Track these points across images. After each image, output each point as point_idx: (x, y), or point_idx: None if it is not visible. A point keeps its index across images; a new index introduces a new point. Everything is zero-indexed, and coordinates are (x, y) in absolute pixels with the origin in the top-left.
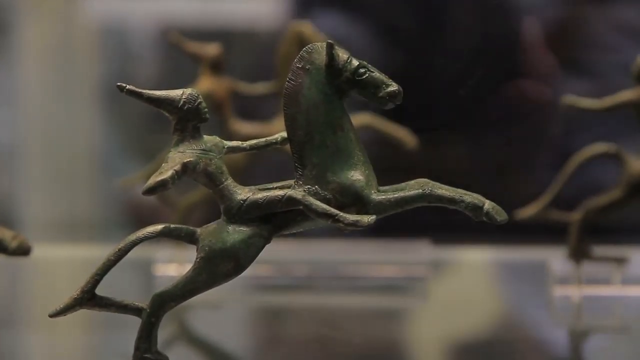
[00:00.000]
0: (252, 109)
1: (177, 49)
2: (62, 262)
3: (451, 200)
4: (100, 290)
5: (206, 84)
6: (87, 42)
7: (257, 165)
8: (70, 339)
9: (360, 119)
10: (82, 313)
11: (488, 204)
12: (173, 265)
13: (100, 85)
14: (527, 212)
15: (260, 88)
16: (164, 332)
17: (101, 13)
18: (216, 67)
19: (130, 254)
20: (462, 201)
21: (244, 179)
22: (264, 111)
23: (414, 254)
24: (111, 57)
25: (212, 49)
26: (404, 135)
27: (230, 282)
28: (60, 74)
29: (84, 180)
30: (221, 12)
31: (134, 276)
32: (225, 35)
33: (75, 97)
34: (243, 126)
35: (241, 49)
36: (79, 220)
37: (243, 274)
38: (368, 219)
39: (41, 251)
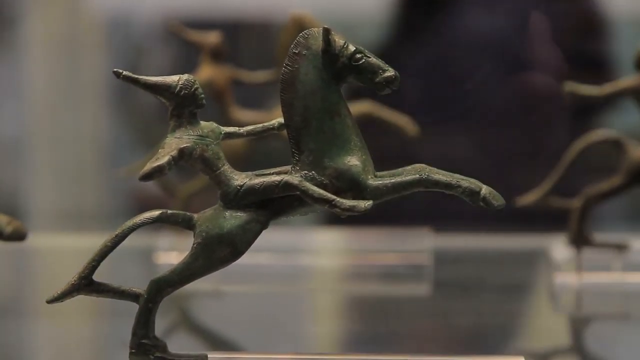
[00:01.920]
0: (254, 98)
1: (178, 38)
2: (67, 251)
3: (448, 186)
4: (101, 279)
5: (207, 72)
6: (93, 34)
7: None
8: (68, 326)
9: (361, 106)
10: (81, 300)
11: (485, 189)
12: (174, 253)
13: (107, 77)
14: (528, 199)
15: (260, 76)
16: (165, 320)
17: (106, 5)
18: (217, 55)
19: (132, 243)
20: (459, 186)
21: (244, 166)
22: (265, 100)
23: (415, 242)
24: (117, 50)
25: (212, 38)
26: (405, 123)
27: (231, 270)
28: (67, 66)
29: (90, 171)
30: (227, 4)
31: (135, 265)
32: (231, 27)
33: (81, 89)
34: (244, 114)
35: (247, 40)
36: (86, 210)
37: (244, 261)
38: (365, 204)
39: (48, 240)
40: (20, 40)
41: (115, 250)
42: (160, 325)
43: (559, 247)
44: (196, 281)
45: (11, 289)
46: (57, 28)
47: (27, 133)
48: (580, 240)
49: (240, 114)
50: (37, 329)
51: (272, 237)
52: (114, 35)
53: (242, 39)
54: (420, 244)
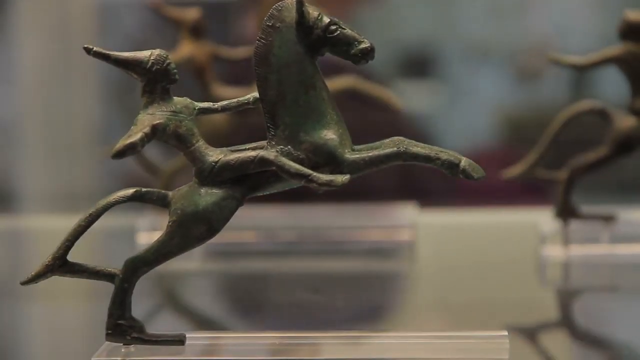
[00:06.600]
0: (235, 74)
1: (158, 15)
2: (60, 232)
3: (427, 158)
4: (83, 260)
5: (187, 48)
6: (85, 17)
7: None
8: (45, 308)
9: (344, 81)
10: (60, 280)
11: (464, 161)
12: (156, 233)
13: (99, 61)
14: (514, 171)
15: (240, 52)
16: (149, 300)
17: None
18: (196, 31)
19: (114, 223)
20: (438, 159)
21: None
22: (247, 76)
23: (400, 218)
24: (109, 33)
25: (191, 14)
26: (389, 96)
27: (215, 248)
28: (59, 50)
29: (82, 153)
30: None
31: (117, 245)
32: (214, 6)
33: (73, 73)
34: (225, 90)
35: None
36: (78, 191)
37: (229, 239)
38: (342, 178)
39: (40, 222)
40: (13, 24)
41: (98, 231)
42: (144, 305)
43: (545, 220)
44: (180, 260)
45: (1, 271)
46: (50, 11)
47: (19, 116)
48: (567, 213)
49: (222, 90)
50: (16, 311)
51: (255, 214)
52: (106, 18)
53: (224, 17)
54: (404, 219)
